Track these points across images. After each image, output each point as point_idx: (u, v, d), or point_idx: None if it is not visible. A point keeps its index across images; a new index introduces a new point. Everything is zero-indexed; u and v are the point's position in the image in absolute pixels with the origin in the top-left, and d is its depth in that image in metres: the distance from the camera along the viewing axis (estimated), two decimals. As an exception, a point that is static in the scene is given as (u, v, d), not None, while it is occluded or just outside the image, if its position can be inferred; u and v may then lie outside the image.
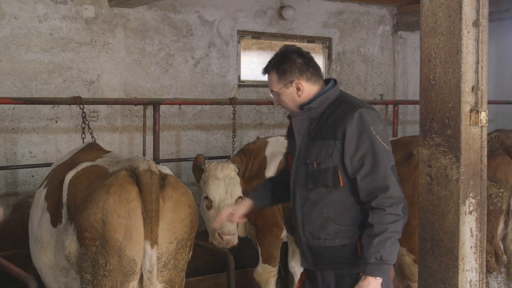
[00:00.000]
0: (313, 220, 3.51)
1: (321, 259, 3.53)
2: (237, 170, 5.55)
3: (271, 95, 3.67)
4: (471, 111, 4.14)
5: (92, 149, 4.68)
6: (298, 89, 3.56)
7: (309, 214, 3.51)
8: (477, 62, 4.14)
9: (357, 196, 3.45)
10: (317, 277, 3.61)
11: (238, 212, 3.81)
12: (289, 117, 3.80)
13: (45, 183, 4.54)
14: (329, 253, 3.50)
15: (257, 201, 3.89)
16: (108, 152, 4.59)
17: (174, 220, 3.62)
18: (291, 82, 3.56)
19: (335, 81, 3.68)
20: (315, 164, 3.46)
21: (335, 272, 3.53)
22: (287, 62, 3.57)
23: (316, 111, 3.55)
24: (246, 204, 3.85)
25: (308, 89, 3.58)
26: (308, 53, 3.67)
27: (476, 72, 4.14)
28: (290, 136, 3.77)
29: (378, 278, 3.34)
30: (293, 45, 3.74)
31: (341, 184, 3.45)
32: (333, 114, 3.50)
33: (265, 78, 3.74)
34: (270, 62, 3.66)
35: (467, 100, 4.13)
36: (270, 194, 3.94)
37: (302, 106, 3.58)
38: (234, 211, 3.81)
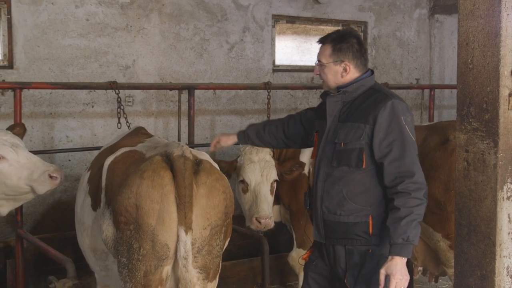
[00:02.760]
0: (332, 196, 3.77)
1: (334, 233, 3.79)
2: (271, 154, 5.55)
3: (316, 63, 3.90)
4: (509, 95, 4.08)
5: (138, 134, 4.72)
6: (345, 70, 3.85)
7: (329, 190, 3.78)
8: (517, 46, 4.06)
9: (376, 179, 3.73)
10: (328, 251, 3.89)
11: (223, 143, 4.36)
12: (322, 97, 4.04)
13: (89, 166, 4.61)
14: (342, 228, 3.75)
15: (240, 139, 4.38)
16: (151, 137, 4.61)
17: (207, 206, 3.62)
18: (342, 61, 3.83)
19: (372, 71, 3.98)
20: (342, 143, 3.74)
21: (346, 247, 3.78)
22: (346, 43, 3.83)
23: (351, 95, 3.82)
24: (234, 139, 4.36)
25: (352, 74, 3.86)
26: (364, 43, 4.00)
27: (515, 55, 4.07)
28: (319, 116, 4.04)
29: (404, 258, 3.55)
30: (356, 31, 4.10)
31: (364, 166, 3.71)
32: (367, 100, 3.77)
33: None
34: (330, 35, 3.90)
35: (506, 84, 4.07)
36: (255, 135, 4.35)
37: (339, 88, 3.85)
38: (221, 140, 4.33)
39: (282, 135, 4.33)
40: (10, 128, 5.03)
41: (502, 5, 4.00)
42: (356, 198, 3.73)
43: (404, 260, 3.56)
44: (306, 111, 4.36)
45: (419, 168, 3.73)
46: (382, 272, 3.56)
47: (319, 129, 3.97)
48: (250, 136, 4.34)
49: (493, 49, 4.06)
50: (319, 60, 3.89)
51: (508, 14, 4.00)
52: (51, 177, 4.58)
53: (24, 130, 5.11)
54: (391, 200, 3.65)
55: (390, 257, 3.56)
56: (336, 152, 3.75)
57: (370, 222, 3.73)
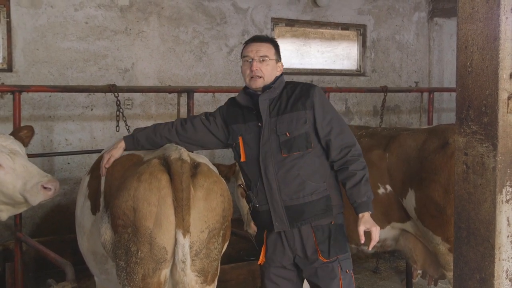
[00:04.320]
0: (289, 182, 4.00)
1: (300, 216, 4.02)
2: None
3: (256, 58, 4.12)
4: (508, 98, 4.08)
5: None
6: (280, 68, 4.24)
7: (285, 178, 4.01)
8: (516, 49, 4.06)
9: (322, 156, 4.09)
10: (290, 237, 4.09)
11: (116, 155, 4.11)
12: (228, 104, 4.36)
13: (89, 170, 4.59)
14: (308, 208, 4.01)
15: (129, 145, 4.21)
16: None
17: (205, 209, 3.62)
18: (280, 61, 4.24)
19: None
20: (287, 133, 4.01)
21: (312, 225, 4.05)
22: (279, 48, 4.27)
23: (275, 91, 4.14)
24: (122, 147, 4.18)
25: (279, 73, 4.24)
26: None
27: (514, 58, 4.07)
28: (234, 121, 4.22)
29: (370, 212, 4.04)
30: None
31: (312, 147, 4.04)
32: (293, 92, 4.11)
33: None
34: (265, 36, 4.31)
35: (505, 87, 4.07)
36: (145, 140, 4.22)
37: (264, 88, 4.13)
38: (113, 155, 4.11)
39: (177, 138, 4.25)
40: (18, 131, 4.97)
41: (501, 9, 4.00)
42: (312, 177, 4.02)
43: (370, 214, 4.05)
44: (208, 119, 4.33)
45: (354, 136, 4.19)
46: (362, 228, 3.99)
47: (243, 132, 4.15)
48: (140, 141, 4.22)
49: (492, 52, 4.06)
50: (265, 55, 4.13)
51: (507, 18, 4.01)
52: (44, 188, 4.46)
53: (32, 133, 5.05)
54: (343, 169, 4.06)
55: (361, 215, 4.02)
56: (283, 142, 4.02)
57: (329, 194, 4.07)
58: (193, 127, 4.25)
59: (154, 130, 4.25)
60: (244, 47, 4.25)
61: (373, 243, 4.04)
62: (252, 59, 4.14)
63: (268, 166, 4.03)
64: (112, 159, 4.08)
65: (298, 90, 4.13)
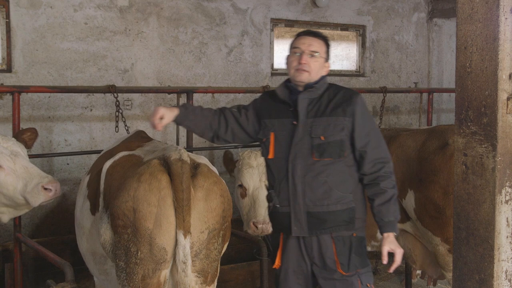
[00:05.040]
0: (315, 188, 3.90)
1: (322, 224, 3.91)
2: (270, 159, 5.54)
3: (306, 52, 3.98)
4: (508, 99, 4.08)
5: (137, 138, 4.71)
6: (326, 68, 4.11)
7: (312, 183, 3.90)
8: (515, 49, 4.07)
9: (352, 167, 3.98)
10: (309, 244, 3.98)
11: (167, 119, 3.93)
12: (263, 97, 4.25)
13: (89, 170, 4.59)
14: (331, 217, 3.90)
15: (182, 117, 4.03)
16: (150, 140, 4.61)
17: (205, 210, 3.62)
18: (328, 61, 4.12)
19: None
20: (322, 137, 3.90)
21: (332, 235, 3.94)
22: (330, 48, 4.15)
23: (316, 92, 4.01)
24: (175, 114, 3.99)
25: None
26: None
27: (514, 59, 4.07)
28: (267, 115, 4.11)
29: (395, 234, 3.95)
30: None
31: (345, 155, 3.93)
32: (335, 96, 4.00)
33: None
34: (320, 33, 4.13)
35: (504, 88, 4.07)
36: (193, 118, 4.08)
37: (306, 86, 4.01)
38: (164, 116, 3.91)
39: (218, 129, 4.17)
40: (21, 133, 4.98)
41: (500, 9, 4.00)
42: (339, 186, 3.92)
43: (395, 235, 3.96)
44: (240, 111, 4.24)
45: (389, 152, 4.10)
46: (387, 248, 3.89)
47: (276, 128, 4.04)
48: (190, 115, 4.07)
49: (491, 53, 4.06)
50: (315, 51, 4.01)
51: (506, 18, 4.01)
52: (45, 189, 4.48)
53: (36, 135, 5.05)
54: (374, 185, 3.95)
55: (386, 235, 3.93)
56: (316, 145, 3.91)
57: (355, 206, 3.96)
58: (225, 120, 4.17)
59: (201, 110, 4.13)
60: (295, 38, 4.12)
61: (395, 266, 3.94)
62: (303, 51, 4.00)
63: (296, 167, 3.93)
64: (159, 115, 3.87)
65: (340, 94, 4.02)
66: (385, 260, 3.89)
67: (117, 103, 6.10)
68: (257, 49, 8.70)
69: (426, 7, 10.34)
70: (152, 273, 3.52)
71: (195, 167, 3.68)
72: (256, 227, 5.18)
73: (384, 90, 7.54)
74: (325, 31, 9.36)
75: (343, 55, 9.72)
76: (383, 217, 3.93)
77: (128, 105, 7.73)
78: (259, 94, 7.77)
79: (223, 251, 3.92)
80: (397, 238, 4.01)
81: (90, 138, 7.60)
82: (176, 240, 3.49)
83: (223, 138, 4.19)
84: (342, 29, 9.62)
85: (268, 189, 4.15)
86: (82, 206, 4.30)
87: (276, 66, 9.00)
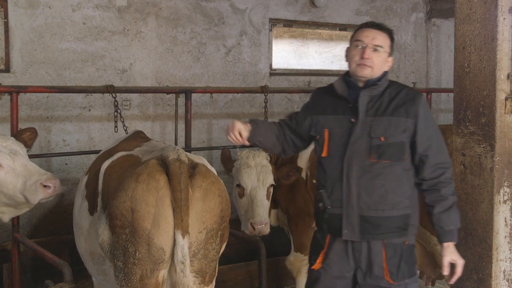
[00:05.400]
0: (371, 191, 3.71)
1: (375, 229, 3.72)
2: (268, 158, 5.54)
3: (370, 45, 3.78)
4: (506, 99, 4.09)
5: (136, 138, 4.71)
6: (389, 63, 3.91)
7: (368, 185, 3.71)
8: (513, 49, 4.07)
9: (410, 171, 3.77)
10: (357, 249, 3.79)
11: (244, 134, 3.88)
12: (316, 94, 4.10)
13: (87, 170, 4.59)
14: (385, 223, 3.72)
15: (254, 133, 3.94)
16: (149, 141, 4.61)
17: (203, 210, 3.61)
18: (392, 55, 3.91)
19: None
20: (382, 138, 3.70)
21: (384, 241, 3.75)
22: (394, 42, 3.94)
23: (378, 89, 3.80)
24: (249, 129, 3.92)
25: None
26: None
27: (512, 59, 4.08)
28: (321, 111, 3.94)
29: (455, 243, 3.76)
30: None
31: (404, 159, 3.74)
32: (397, 95, 3.79)
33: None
34: (383, 25, 3.93)
35: (502, 88, 4.08)
36: (264, 133, 4.01)
37: (368, 82, 3.81)
38: (241, 131, 3.87)
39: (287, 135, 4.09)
40: (20, 133, 4.98)
41: (498, 9, 4.01)
42: (396, 190, 3.73)
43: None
44: (291, 117, 4.15)
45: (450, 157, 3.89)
46: (448, 259, 3.73)
47: (331, 125, 3.86)
48: (259, 129, 3.98)
49: (489, 53, 4.07)
50: (378, 45, 3.80)
51: (504, 18, 4.02)
52: (44, 186, 4.46)
53: (35, 135, 5.05)
54: (434, 191, 3.75)
55: (446, 244, 3.74)
56: (375, 146, 3.71)
57: (410, 213, 3.79)
58: (283, 132, 4.06)
59: (267, 124, 4.07)
60: (358, 30, 3.90)
61: (456, 277, 3.79)
62: (366, 45, 3.79)
63: (352, 168, 3.75)
64: (237, 129, 3.83)
65: (403, 94, 3.80)
66: (446, 271, 3.75)
67: (116, 103, 6.10)
68: (255, 49, 8.70)
69: (424, 7, 10.34)
70: (150, 273, 3.51)
71: (193, 167, 3.67)
72: (254, 227, 5.17)
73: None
74: (323, 31, 9.40)
75: (342, 55, 9.65)
76: (443, 225, 3.74)
77: (127, 105, 7.73)
78: (257, 94, 7.82)
79: (221, 251, 3.91)
80: None
81: (89, 138, 7.59)
82: (174, 240, 3.48)
83: (288, 151, 4.12)
84: (340, 29, 9.61)
85: (317, 188, 3.96)
86: (80, 206, 4.29)
87: (274, 66, 8.99)
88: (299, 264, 5.92)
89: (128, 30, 7.74)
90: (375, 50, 3.79)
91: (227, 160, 5.70)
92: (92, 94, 7.40)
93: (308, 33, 9.39)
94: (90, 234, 4.11)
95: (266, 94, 6.99)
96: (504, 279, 4.27)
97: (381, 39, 3.82)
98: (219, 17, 8.38)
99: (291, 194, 5.82)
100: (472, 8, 4.13)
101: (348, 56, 3.90)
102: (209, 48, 8.34)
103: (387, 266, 3.76)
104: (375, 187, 3.72)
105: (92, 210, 4.07)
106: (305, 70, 9.26)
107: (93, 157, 5.09)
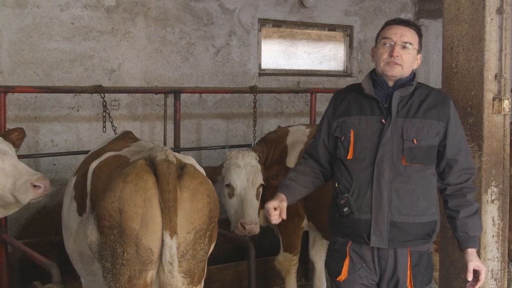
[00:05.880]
0: (403, 196, 3.56)
1: (405, 236, 3.58)
2: (258, 158, 5.54)
3: (398, 43, 3.61)
4: (494, 99, 4.11)
5: (125, 138, 4.70)
6: (418, 60, 3.75)
7: (399, 190, 3.56)
8: (501, 50, 4.10)
9: (436, 176, 3.67)
10: (383, 257, 3.64)
11: (283, 206, 3.71)
12: (338, 95, 3.88)
13: (76, 171, 4.57)
14: (416, 229, 3.59)
15: (289, 197, 3.81)
16: (137, 141, 4.59)
17: (191, 210, 3.60)
18: (420, 52, 3.74)
19: None
20: (415, 140, 3.56)
21: (410, 249, 3.62)
22: (422, 38, 3.76)
23: (408, 90, 3.66)
24: (284, 200, 3.75)
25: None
26: None
27: (500, 59, 4.11)
28: (345, 112, 3.75)
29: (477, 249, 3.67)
30: None
31: (435, 162, 3.64)
32: (427, 97, 3.66)
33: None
34: (410, 22, 3.75)
35: (490, 88, 4.10)
36: (298, 188, 3.88)
37: (399, 81, 3.66)
38: (276, 206, 3.69)
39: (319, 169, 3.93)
40: (8, 133, 4.95)
41: (486, 10, 4.03)
42: (427, 195, 3.61)
43: None
44: (315, 138, 3.94)
45: None
46: (473, 265, 3.58)
47: (357, 125, 3.68)
48: (292, 182, 3.85)
49: (477, 53, 4.09)
50: (408, 42, 3.63)
51: (492, 19, 4.03)
52: (34, 186, 4.43)
53: (24, 135, 5.02)
54: (459, 196, 3.64)
55: (470, 250, 3.61)
56: (407, 149, 3.56)
57: (437, 220, 3.69)
58: (316, 160, 3.90)
59: (296, 174, 3.89)
60: (384, 27, 3.72)
61: (480, 284, 3.64)
62: (395, 43, 3.61)
63: (383, 172, 3.57)
64: (272, 209, 3.66)
65: (433, 95, 3.67)
66: (470, 277, 3.61)
67: (104, 103, 6.08)
68: (244, 49, 8.70)
69: (413, 8, 10.37)
70: (138, 274, 3.51)
71: (182, 167, 3.66)
72: (244, 227, 5.16)
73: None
74: (312, 32, 9.41)
75: (331, 55, 9.74)
76: (469, 231, 3.62)
77: (115, 105, 7.70)
78: (246, 94, 7.81)
79: (210, 251, 3.91)
80: None
81: (77, 138, 7.56)
82: (163, 241, 3.48)
83: (330, 174, 3.91)
84: (329, 30, 9.63)
85: (340, 192, 3.70)
86: (69, 207, 4.28)
87: (263, 66, 9.00)
88: (288, 264, 5.92)
89: (116, 30, 7.72)
90: (404, 47, 3.63)
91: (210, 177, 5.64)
92: (81, 94, 7.37)
93: (297, 33, 9.40)
94: (78, 235, 4.09)
95: (255, 94, 6.98)
96: (492, 278, 4.29)
97: (410, 35, 3.65)
98: (208, 17, 8.37)
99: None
100: (460, 9, 4.15)
101: (375, 55, 3.71)
102: (198, 48, 8.33)
103: (411, 274, 3.63)
104: (407, 191, 3.57)
105: (80, 211, 4.06)
106: (294, 70, 9.28)
107: (82, 157, 5.08)
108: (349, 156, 3.66)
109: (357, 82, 3.72)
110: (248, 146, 6.23)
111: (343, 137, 3.71)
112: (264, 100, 8.78)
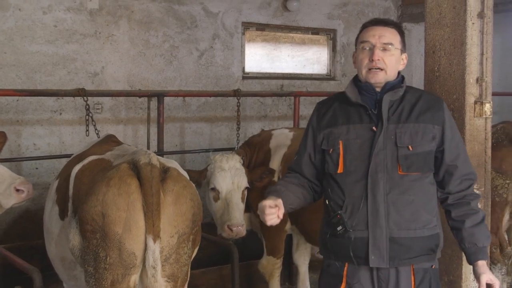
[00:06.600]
0: (401, 208, 3.27)
1: (406, 252, 3.29)
2: (241, 161, 5.54)
3: (378, 45, 3.35)
4: (475, 102, 4.14)
5: (107, 142, 4.67)
6: (404, 61, 3.49)
7: (397, 202, 3.27)
8: (482, 54, 4.14)
9: (434, 184, 3.40)
10: (387, 275, 3.33)
11: (280, 207, 3.39)
12: (322, 106, 3.59)
13: (58, 174, 4.54)
14: (417, 244, 3.30)
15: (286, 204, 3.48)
16: (120, 145, 4.57)
17: (175, 214, 3.59)
18: (405, 51, 3.48)
19: None
20: (410, 147, 3.29)
21: (413, 266, 3.33)
22: (404, 35, 3.50)
23: (398, 93, 3.39)
24: (279, 199, 3.44)
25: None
26: None
27: (481, 63, 4.14)
28: (332, 122, 3.48)
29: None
30: None
31: (433, 169, 3.38)
32: (418, 100, 3.39)
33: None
34: (388, 20, 3.51)
35: (472, 91, 4.12)
36: (292, 195, 3.55)
37: (387, 85, 3.39)
38: (275, 205, 3.38)
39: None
40: None
41: (467, 14, 4.06)
42: (427, 207, 3.33)
43: None
44: (306, 143, 3.62)
45: None
46: (486, 278, 3.29)
47: (345, 135, 3.40)
48: (282, 189, 3.54)
49: (459, 57, 4.12)
50: (389, 43, 3.36)
51: (473, 23, 4.07)
52: (17, 190, 4.37)
53: (5, 139, 4.97)
54: (463, 204, 3.38)
55: (481, 262, 3.34)
56: (403, 157, 3.28)
57: (439, 233, 3.42)
58: (303, 176, 3.60)
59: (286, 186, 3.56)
60: (362, 31, 3.45)
61: None
62: (374, 45, 3.34)
63: (378, 183, 3.28)
64: (268, 207, 3.35)
65: (424, 98, 3.41)
66: None
67: (87, 106, 6.04)
68: (228, 53, 8.70)
69: (395, 12, 10.43)
70: (121, 278, 3.49)
71: (165, 171, 3.65)
72: (231, 230, 5.16)
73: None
74: (296, 35, 9.43)
75: (314, 59, 9.76)
76: (477, 241, 3.34)
77: (99, 108, 7.67)
78: (230, 98, 7.81)
79: (193, 255, 3.90)
80: None
81: (60, 142, 7.52)
82: (146, 245, 3.47)
83: (320, 189, 3.61)
84: (313, 33, 9.66)
85: (332, 210, 3.37)
86: (50, 211, 4.25)
87: (247, 69, 9.01)
88: (271, 268, 5.92)
89: (100, 33, 7.69)
90: (385, 49, 3.35)
91: (194, 180, 5.60)
92: (63, 97, 7.33)
93: (281, 37, 9.42)
94: (60, 239, 4.07)
95: (238, 97, 6.98)
96: (474, 280, 4.31)
97: (389, 35, 3.37)
98: (191, 20, 8.37)
99: (263, 197, 5.81)
100: (442, 13, 4.18)
101: (356, 61, 3.45)
102: (182, 52, 8.32)
103: None
104: (405, 203, 3.28)
105: (62, 215, 4.04)
106: (278, 73, 9.30)
107: (64, 161, 5.04)
108: (340, 170, 3.38)
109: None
110: (232, 149, 6.22)
111: (331, 149, 3.42)
112: (248, 104, 8.78)
